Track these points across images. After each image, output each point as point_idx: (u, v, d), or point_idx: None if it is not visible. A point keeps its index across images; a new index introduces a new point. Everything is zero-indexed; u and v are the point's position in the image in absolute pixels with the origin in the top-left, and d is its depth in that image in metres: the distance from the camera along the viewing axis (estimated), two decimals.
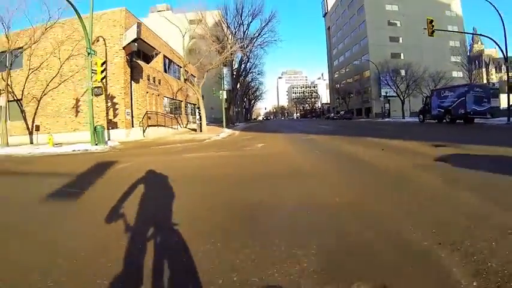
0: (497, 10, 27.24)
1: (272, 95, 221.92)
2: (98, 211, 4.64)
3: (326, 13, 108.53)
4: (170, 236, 3.67)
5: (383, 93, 57.50)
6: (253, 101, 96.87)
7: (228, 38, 44.51)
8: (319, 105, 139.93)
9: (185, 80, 30.05)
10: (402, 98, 49.90)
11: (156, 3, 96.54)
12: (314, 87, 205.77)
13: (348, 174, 7.07)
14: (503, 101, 39.99)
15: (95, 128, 17.07)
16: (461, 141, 12.11)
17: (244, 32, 50.61)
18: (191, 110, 43.31)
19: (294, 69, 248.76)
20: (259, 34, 49.99)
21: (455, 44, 74.18)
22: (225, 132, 28.50)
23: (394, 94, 52.70)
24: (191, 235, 3.61)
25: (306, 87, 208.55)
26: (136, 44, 22.02)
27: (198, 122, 29.66)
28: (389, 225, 3.65)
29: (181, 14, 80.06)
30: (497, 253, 2.82)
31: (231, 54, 35.27)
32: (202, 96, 30.90)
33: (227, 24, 51.82)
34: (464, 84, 34.61)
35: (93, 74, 17.05)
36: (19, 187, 7.63)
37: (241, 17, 50.48)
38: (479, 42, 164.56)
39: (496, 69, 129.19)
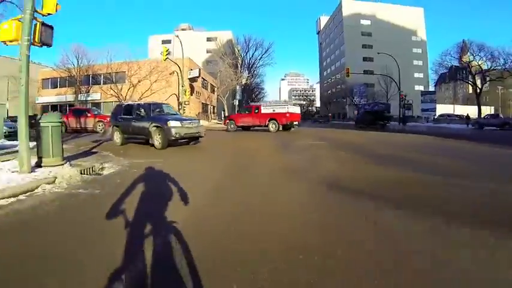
0: (395, 60, 48.09)
1: (275, 96, 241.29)
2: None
3: (319, 31, 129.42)
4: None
5: (352, 103, 78.24)
6: (255, 102, 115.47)
7: (239, 62, 65.94)
8: (314, 109, 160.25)
9: (218, 95, 51.56)
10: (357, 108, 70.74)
11: (180, 22, 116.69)
12: (312, 91, 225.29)
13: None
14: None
15: None
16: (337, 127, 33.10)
17: (250, 58, 71.71)
18: (212, 110, 64.50)
19: (296, 72, 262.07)
20: (260, 58, 71.27)
21: (418, 63, 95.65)
22: None
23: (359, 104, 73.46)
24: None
25: (305, 91, 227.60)
26: (196, 77, 43.32)
27: (223, 118, 50.34)
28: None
29: (200, 33, 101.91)
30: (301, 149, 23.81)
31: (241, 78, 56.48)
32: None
33: (238, 50, 72.94)
34: (373, 102, 55.34)
35: (185, 94, 38.10)
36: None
37: (248, 46, 71.39)
38: (468, 54, 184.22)
39: (481, 80, 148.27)
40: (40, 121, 7.45)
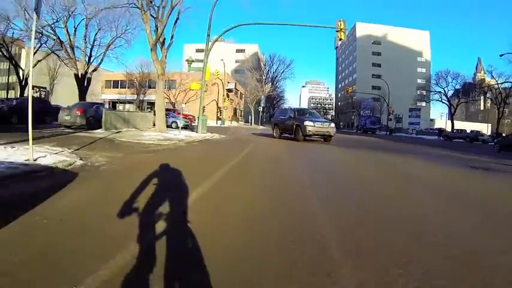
0: (386, 83, 60.98)
1: (296, 102, 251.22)
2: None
3: (337, 47, 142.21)
4: None
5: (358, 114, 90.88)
6: (276, 108, 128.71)
7: (263, 73, 79.84)
8: (329, 117, 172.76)
9: (247, 103, 65.40)
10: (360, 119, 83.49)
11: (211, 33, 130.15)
12: (331, 99, 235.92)
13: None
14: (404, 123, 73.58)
15: (220, 119, 51.96)
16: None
17: (273, 72, 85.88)
18: (240, 113, 78.45)
19: (317, 80, 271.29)
20: (282, 72, 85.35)
21: (421, 81, 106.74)
22: (262, 126, 63.00)
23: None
24: None
25: (323, 99, 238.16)
26: (232, 89, 57.19)
27: (249, 121, 64.14)
28: None
29: (230, 44, 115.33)
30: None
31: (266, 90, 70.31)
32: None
33: (263, 63, 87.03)
34: (368, 115, 68.57)
35: (224, 101, 51.91)
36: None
37: (272, 61, 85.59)
38: (482, 72, 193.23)
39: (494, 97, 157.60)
40: (201, 117, 21.27)
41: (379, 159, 13.17)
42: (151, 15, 17.39)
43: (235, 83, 59.77)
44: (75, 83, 30.68)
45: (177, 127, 21.45)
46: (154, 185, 5.29)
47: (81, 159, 7.58)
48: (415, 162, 12.86)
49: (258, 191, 5.71)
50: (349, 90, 58.78)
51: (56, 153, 7.98)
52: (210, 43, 21.53)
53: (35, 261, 2.53)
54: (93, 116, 18.92)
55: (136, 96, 61.60)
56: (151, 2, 17.15)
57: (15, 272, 2.32)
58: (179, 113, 23.89)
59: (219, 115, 57.15)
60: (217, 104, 56.14)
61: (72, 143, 10.52)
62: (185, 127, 24.69)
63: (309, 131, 18.38)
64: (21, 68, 32.35)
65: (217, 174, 6.97)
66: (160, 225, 3.43)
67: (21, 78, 32.00)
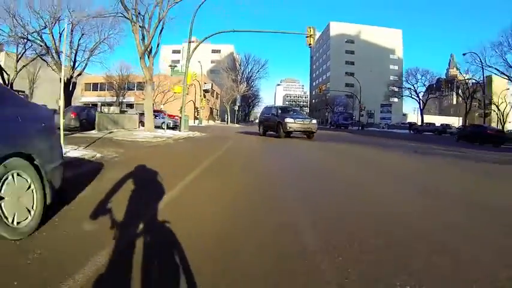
0: (358, 81, 63.74)
1: (271, 101, 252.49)
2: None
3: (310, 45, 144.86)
4: None
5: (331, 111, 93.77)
6: (251, 107, 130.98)
7: (239, 73, 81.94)
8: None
9: (223, 103, 67.35)
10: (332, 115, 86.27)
11: (187, 34, 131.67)
12: (306, 97, 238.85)
13: None
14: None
15: (198, 118, 53.73)
16: None
17: (249, 72, 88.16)
18: (216, 112, 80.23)
19: (292, 78, 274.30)
20: (257, 72, 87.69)
21: (394, 78, 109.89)
22: (238, 125, 64.95)
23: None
24: None
25: (298, 97, 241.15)
26: (209, 90, 58.98)
27: (225, 120, 66.02)
28: None
29: (206, 45, 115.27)
30: None
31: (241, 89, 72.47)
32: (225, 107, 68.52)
33: (239, 63, 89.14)
34: (340, 111, 71.36)
35: (202, 101, 53.68)
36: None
37: (247, 62, 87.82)
38: (455, 68, 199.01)
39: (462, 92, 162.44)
40: (183, 117, 23.18)
41: (352, 151, 15.65)
42: (139, 25, 19.23)
43: (212, 84, 61.86)
44: (58, 87, 31.58)
45: (165, 127, 23.24)
46: (162, 169, 7.29)
47: (98, 153, 9.48)
48: (385, 154, 15.52)
49: (237, 170, 7.75)
50: (322, 88, 61.46)
51: (75, 149, 9.84)
52: (191, 49, 23.39)
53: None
54: (85, 119, 20.61)
55: (115, 98, 62.68)
56: (139, 13, 19.01)
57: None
58: (166, 114, 25.88)
59: (196, 115, 58.83)
60: (194, 104, 57.88)
61: (79, 142, 12.26)
62: (174, 127, 26.60)
63: (290, 127, 18.82)
64: (6, 72, 32.80)
65: (205, 163, 9.13)
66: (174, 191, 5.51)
67: (6, 82, 32.59)
